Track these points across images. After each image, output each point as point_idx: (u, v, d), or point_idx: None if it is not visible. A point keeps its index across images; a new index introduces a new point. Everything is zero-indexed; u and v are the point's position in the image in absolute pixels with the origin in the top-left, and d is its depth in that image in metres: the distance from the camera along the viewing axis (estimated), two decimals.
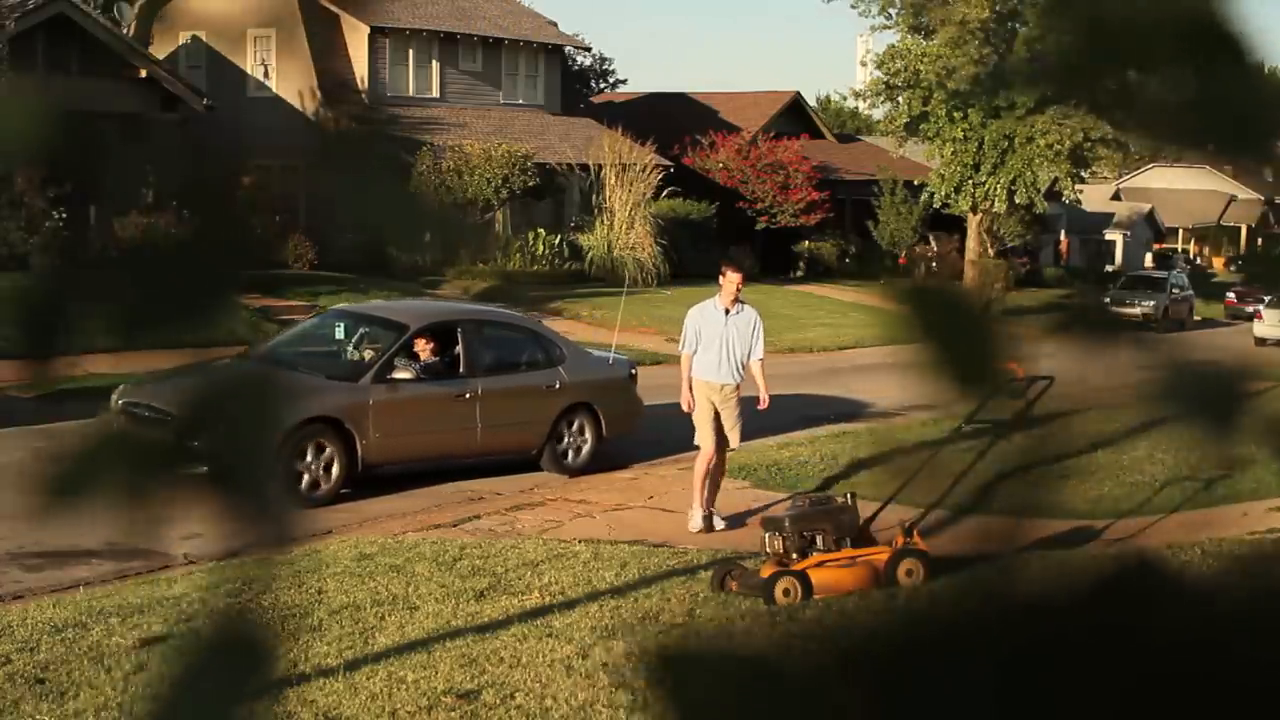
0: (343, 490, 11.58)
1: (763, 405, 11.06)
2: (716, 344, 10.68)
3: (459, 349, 12.77)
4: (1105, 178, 54.56)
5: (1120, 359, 0.97)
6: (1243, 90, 0.88)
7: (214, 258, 0.97)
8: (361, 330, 13.03)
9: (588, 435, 13.40)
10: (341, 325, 13.37)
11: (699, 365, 10.77)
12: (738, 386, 10.81)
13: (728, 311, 10.73)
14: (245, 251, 0.98)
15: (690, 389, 10.82)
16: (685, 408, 10.92)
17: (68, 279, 0.96)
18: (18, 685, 6.33)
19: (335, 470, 11.48)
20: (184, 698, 0.91)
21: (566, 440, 13.28)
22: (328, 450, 11.42)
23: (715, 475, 10.81)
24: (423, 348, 12.64)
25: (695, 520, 10.61)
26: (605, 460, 13.54)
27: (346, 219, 1.03)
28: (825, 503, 8.64)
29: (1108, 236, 61.66)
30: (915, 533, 8.42)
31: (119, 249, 1.00)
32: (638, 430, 14.10)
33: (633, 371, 14.39)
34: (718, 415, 10.70)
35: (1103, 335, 0.99)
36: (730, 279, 10.74)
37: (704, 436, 10.73)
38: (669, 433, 15.84)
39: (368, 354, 12.49)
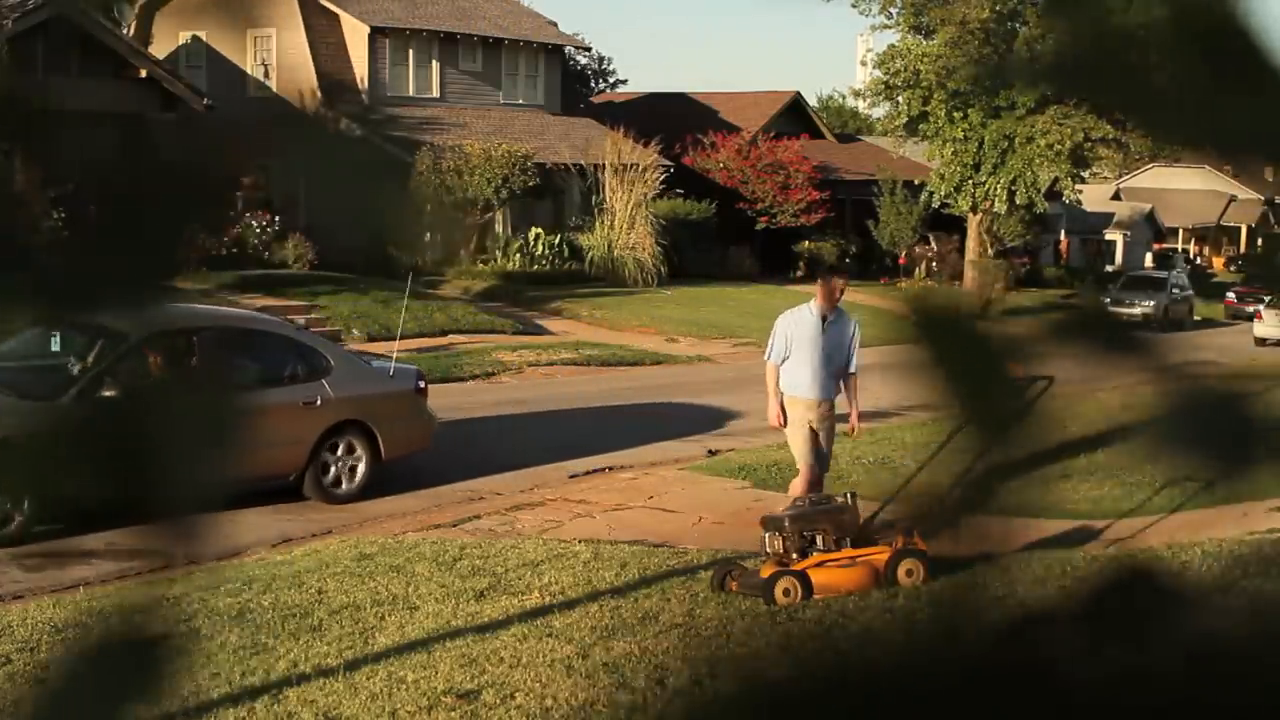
0: (40, 529, 9.72)
1: (852, 427, 10.05)
2: (811, 355, 9.58)
3: (195, 360, 10.86)
4: (1105, 178, 54.58)
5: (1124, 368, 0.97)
6: (1257, 90, 0.88)
7: (136, 248, 0.97)
8: (93, 341, 11.05)
9: (361, 458, 11.78)
10: (57, 334, 11.28)
11: (790, 380, 9.64)
12: (834, 403, 9.83)
13: (825, 319, 9.65)
14: (166, 247, 0.98)
15: (780, 403, 9.69)
16: (774, 423, 9.85)
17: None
18: (18, 685, 6.33)
19: (27, 505, 9.62)
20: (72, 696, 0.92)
21: (334, 464, 11.65)
22: None
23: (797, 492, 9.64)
24: (152, 360, 10.97)
25: None
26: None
27: (326, 202, 1.03)
28: (825, 503, 8.63)
29: (1108, 236, 61.67)
30: (915, 533, 8.42)
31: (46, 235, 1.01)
32: (428, 449, 12.57)
33: (420, 384, 12.70)
34: (815, 434, 9.66)
35: (1106, 342, 0.99)
36: (841, 284, 9.78)
37: (802, 457, 9.61)
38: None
39: None
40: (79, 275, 0.96)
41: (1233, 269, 65.32)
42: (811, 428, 9.59)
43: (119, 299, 0.98)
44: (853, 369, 9.76)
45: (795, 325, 9.70)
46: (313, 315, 24.55)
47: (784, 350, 9.66)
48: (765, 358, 9.92)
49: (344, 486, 11.71)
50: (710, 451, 14.39)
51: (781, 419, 9.69)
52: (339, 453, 11.72)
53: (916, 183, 41.26)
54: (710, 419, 17.06)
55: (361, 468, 11.79)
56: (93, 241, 0.98)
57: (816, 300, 9.74)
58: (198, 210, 1.01)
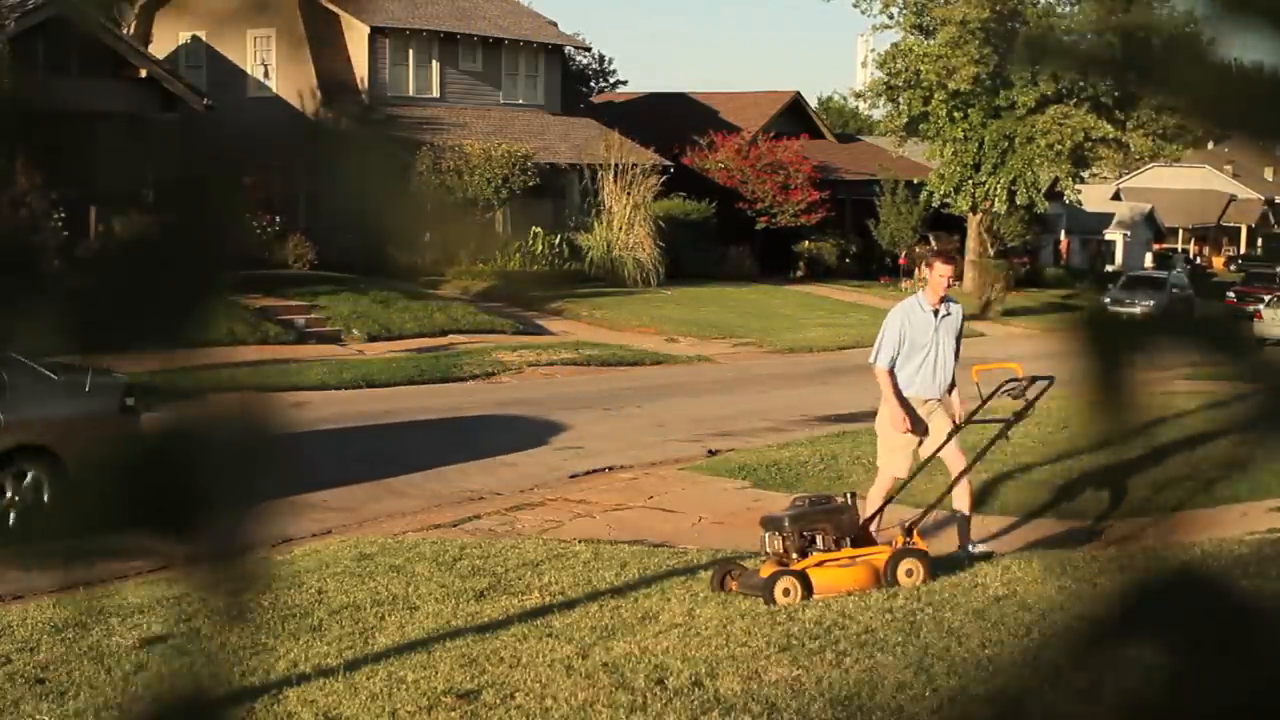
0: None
1: (955, 415, 9.22)
2: (926, 352, 9.04)
3: None
4: (1105, 178, 54.55)
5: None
6: None
7: (197, 259, 0.93)
8: None
9: (45, 490, 9.82)
10: None
11: (905, 380, 9.06)
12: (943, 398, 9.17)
13: (936, 312, 9.10)
14: (229, 253, 0.95)
15: (903, 405, 9.00)
16: (903, 428, 9.01)
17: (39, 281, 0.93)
18: (18, 685, 6.33)
19: None
20: None
21: (8, 498, 9.78)
22: None
23: (964, 506, 9.06)
24: None
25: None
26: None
27: (342, 201, 1.01)
28: (825, 502, 8.62)
29: (1108, 236, 61.71)
30: (915, 532, 8.41)
31: (94, 250, 0.97)
32: None
33: (128, 400, 10.48)
34: (922, 435, 8.98)
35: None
36: (940, 272, 9.07)
37: (898, 463, 9.02)
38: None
39: None
40: (110, 306, 0.91)
41: (1233, 269, 65.33)
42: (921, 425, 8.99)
43: (165, 330, 0.92)
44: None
45: (908, 323, 9.09)
46: (313, 315, 24.56)
47: (896, 351, 9.04)
48: (871, 361, 9.21)
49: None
50: (710, 451, 14.38)
51: (909, 423, 8.97)
52: (20, 483, 9.85)
53: (916, 183, 41.27)
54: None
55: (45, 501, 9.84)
56: (127, 264, 0.93)
57: (925, 292, 9.17)
58: (231, 219, 0.98)
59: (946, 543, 9.28)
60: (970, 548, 9.06)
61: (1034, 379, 8.59)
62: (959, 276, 9.22)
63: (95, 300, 0.91)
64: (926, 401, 9.10)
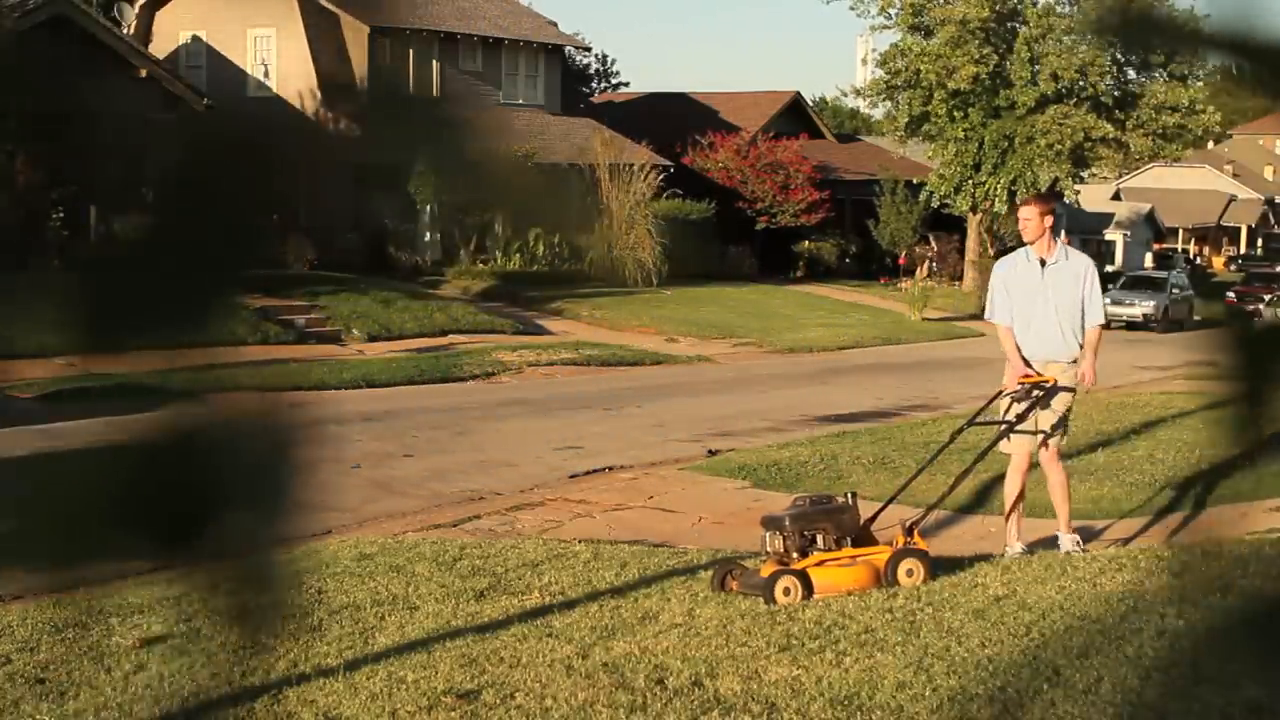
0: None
1: (1087, 382, 8.50)
2: (1035, 307, 8.39)
3: None
4: (1105, 178, 54.58)
5: None
6: None
7: (209, 257, 0.92)
8: None
9: None
10: None
11: (1018, 339, 8.49)
12: (1073, 363, 8.43)
13: (1044, 262, 8.49)
14: (245, 250, 0.94)
15: (1020, 360, 8.45)
16: (1014, 383, 8.48)
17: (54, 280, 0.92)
18: (18, 685, 6.33)
19: None
20: None
21: None
22: None
23: (1055, 489, 8.59)
24: None
25: (1015, 548, 8.62)
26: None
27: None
28: (825, 502, 8.61)
29: (1108, 236, 61.70)
30: (915, 532, 8.41)
31: (104, 250, 0.95)
32: None
33: None
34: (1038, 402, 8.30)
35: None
36: (1026, 214, 8.60)
37: (1016, 440, 8.45)
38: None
39: None
40: (133, 290, 0.89)
41: (1233, 269, 65.36)
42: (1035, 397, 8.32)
43: (185, 315, 0.91)
44: (1099, 319, 8.49)
45: (1012, 276, 8.59)
46: (313, 315, 24.56)
47: (1007, 304, 8.50)
48: (989, 317, 8.76)
49: None
50: (710, 451, 14.38)
51: (1024, 376, 8.42)
52: None
53: (916, 182, 41.29)
54: None
55: None
56: (154, 247, 0.91)
57: (1028, 243, 8.65)
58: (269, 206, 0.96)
59: (947, 543, 9.28)
60: (1015, 545, 8.76)
61: (1037, 384, 8.59)
62: (1052, 221, 8.89)
63: (96, 299, 0.91)
64: (1048, 365, 8.47)
